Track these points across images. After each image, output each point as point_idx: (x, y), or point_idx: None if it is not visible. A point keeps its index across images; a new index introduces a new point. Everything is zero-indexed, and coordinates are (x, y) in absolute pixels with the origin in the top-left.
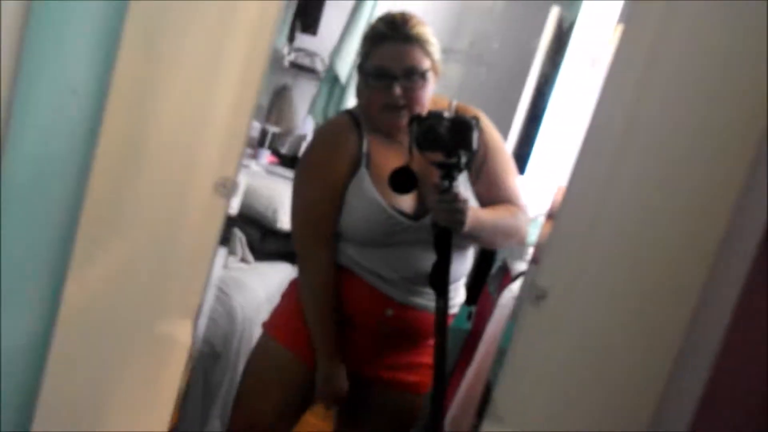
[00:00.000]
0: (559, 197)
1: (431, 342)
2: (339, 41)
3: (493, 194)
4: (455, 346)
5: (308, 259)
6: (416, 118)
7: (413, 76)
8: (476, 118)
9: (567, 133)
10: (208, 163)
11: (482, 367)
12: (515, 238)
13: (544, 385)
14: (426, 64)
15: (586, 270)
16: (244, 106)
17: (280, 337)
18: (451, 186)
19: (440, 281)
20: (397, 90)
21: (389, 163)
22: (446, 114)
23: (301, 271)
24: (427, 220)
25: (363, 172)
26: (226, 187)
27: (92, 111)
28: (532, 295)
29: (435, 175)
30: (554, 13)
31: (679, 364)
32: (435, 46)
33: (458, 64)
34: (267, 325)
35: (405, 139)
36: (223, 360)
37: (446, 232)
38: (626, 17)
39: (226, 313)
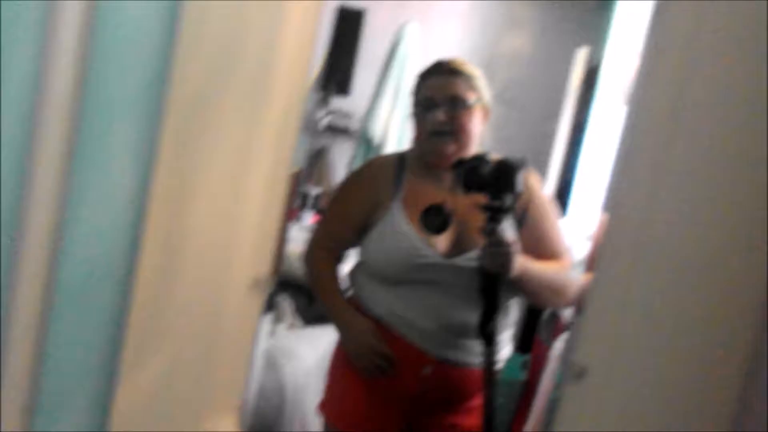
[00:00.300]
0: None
1: (476, 402)
2: (371, 103)
3: (538, 245)
4: (511, 398)
5: (314, 264)
6: (461, 160)
7: (457, 104)
8: (522, 160)
9: (605, 171)
10: (242, 262)
11: (539, 422)
12: (563, 296)
13: None
14: (471, 96)
15: (626, 342)
16: (273, 208)
17: (342, 423)
18: (496, 229)
19: (487, 330)
20: (441, 116)
21: (426, 201)
22: (491, 156)
23: (310, 275)
24: (459, 260)
25: (397, 204)
26: (261, 285)
27: (135, 216)
28: (572, 372)
29: (478, 218)
30: (581, 53)
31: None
32: (481, 80)
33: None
34: (326, 410)
35: (447, 179)
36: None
37: (493, 278)
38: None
39: (276, 386)
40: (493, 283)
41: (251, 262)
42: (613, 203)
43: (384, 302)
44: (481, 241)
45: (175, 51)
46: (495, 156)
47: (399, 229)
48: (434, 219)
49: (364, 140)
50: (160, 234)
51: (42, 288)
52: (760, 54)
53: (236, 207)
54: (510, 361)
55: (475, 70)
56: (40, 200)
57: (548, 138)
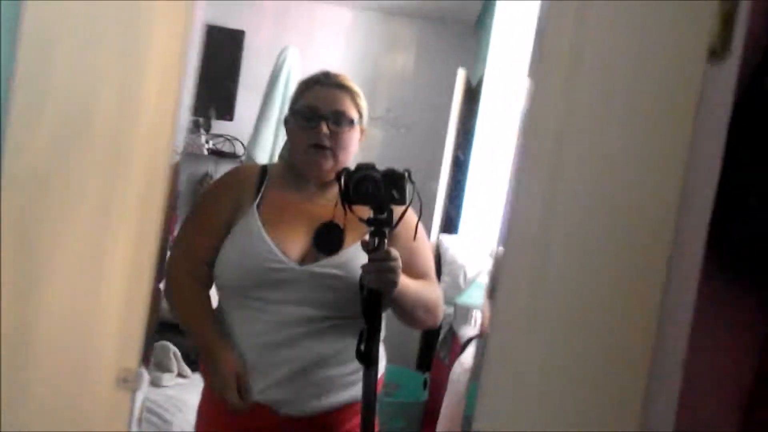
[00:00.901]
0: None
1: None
2: (254, 129)
3: (410, 263)
4: (412, 420)
5: (177, 289)
6: (345, 171)
7: (341, 119)
8: (408, 171)
9: (493, 185)
10: (106, 356)
11: None
12: (434, 314)
13: None
14: (354, 113)
15: (524, 406)
16: (139, 289)
17: None
18: (381, 243)
19: (368, 352)
20: (324, 129)
21: (285, 212)
22: (377, 167)
23: (168, 298)
24: (313, 267)
25: (253, 210)
26: (129, 381)
27: None
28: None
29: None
30: (460, 74)
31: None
32: (364, 102)
33: (378, 130)
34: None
35: (309, 190)
36: None
37: (376, 296)
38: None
39: None
40: (376, 301)
41: (116, 353)
42: (507, 239)
43: (239, 332)
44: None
45: (9, 115)
46: (380, 168)
47: (253, 234)
48: (329, 237)
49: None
50: (6, 325)
51: None
52: (641, 58)
53: (95, 288)
54: (411, 381)
55: (358, 88)
56: None
57: (436, 154)
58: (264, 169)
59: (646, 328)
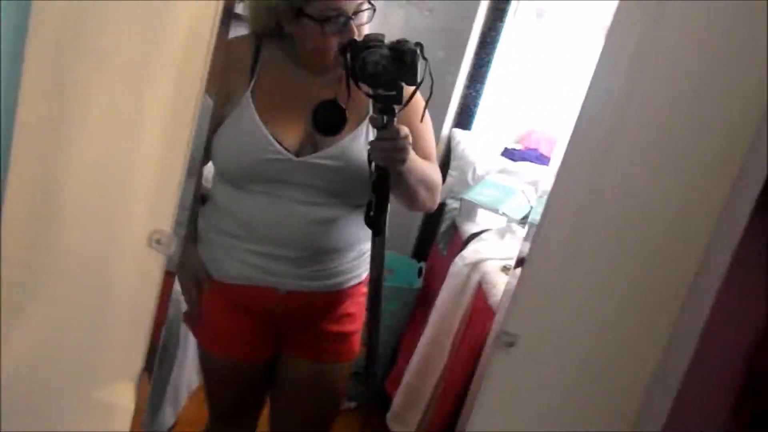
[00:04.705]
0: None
1: (346, 309)
2: None
3: (415, 145)
4: (405, 304)
5: None
6: (352, 45)
7: (361, 14)
8: (420, 45)
9: (514, 86)
10: (138, 215)
11: (437, 337)
12: (433, 195)
13: (516, 424)
14: (366, 5)
15: (557, 315)
16: (175, 152)
17: (206, 341)
18: (390, 121)
19: (376, 219)
20: (354, 29)
21: (281, 97)
22: (386, 41)
23: None
24: (310, 158)
25: (247, 96)
26: (161, 243)
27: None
28: (502, 341)
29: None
30: None
31: (647, 404)
32: None
33: (400, 10)
34: (192, 326)
35: (316, 75)
36: (173, 348)
37: (384, 172)
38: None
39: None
40: (384, 178)
41: (148, 215)
42: (560, 167)
43: (234, 209)
44: (335, 138)
45: None
46: (389, 41)
47: (247, 123)
48: (327, 116)
49: None
50: (28, 178)
51: None
52: (727, 16)
53: (128, 147)
54: (407, 267)
55: None
56: None
57: (460, 43)
58: (257, 47)
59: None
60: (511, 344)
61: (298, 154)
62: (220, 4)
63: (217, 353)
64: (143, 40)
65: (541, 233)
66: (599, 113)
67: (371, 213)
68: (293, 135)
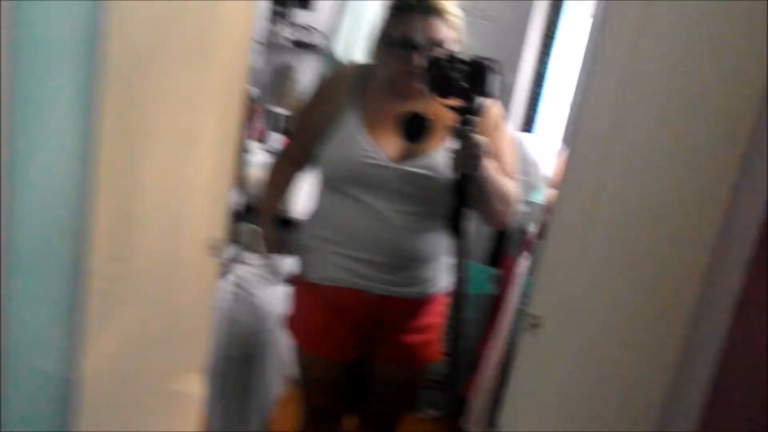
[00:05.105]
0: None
1: (425, 321)
2: (334, 21)
3: (495, 157)
4: (479, 312)
5: (270, 169)
6: (433, 62)
7: (435, 47)
8: (496, 61)
9: (570, 90)
10: (196, 225)
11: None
12: (509, 208)
13: (546, 404)
14: (451, 36)
15: (577, 295)
16: (224, 169)
17: (300, 339)
18: (469, 131)
19: (458, 225)
20: (420, 60)
21: (381, 114)
22: (464, 57)
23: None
24: (405, 165)
25: (353, 113)
26: (217, 248)
27: (88, 185)
28: (528, 323)
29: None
30: None
31: (679, 375)
32: (458, 18)
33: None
34: (290, 325)
35: (408, 95)
36: (257, 357)
37: (463, 177)
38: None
39: (250, 312)
40: (464, 182)
41: (205, 225)
42: (573, 146)
43: (333, 215)
44: (429, 149)
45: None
46: (467, 57)
47: (353, 134)
48: (414, 125)
49: (328, 56)
50: (112, 201)
51: None
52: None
53: (186, 168)
54: (478, 273)
55: (450, 4)
56: None
57: (516, 50)
58: (362, 72)
59: (696, 266)
60: (536, 326)
61: (394, 161)
62: (248, 60)
63: (311, 352)
64: (194, 84)
65: (556, 218)
66: (605, 94)
67: (453, 218)
68: (391, 146)
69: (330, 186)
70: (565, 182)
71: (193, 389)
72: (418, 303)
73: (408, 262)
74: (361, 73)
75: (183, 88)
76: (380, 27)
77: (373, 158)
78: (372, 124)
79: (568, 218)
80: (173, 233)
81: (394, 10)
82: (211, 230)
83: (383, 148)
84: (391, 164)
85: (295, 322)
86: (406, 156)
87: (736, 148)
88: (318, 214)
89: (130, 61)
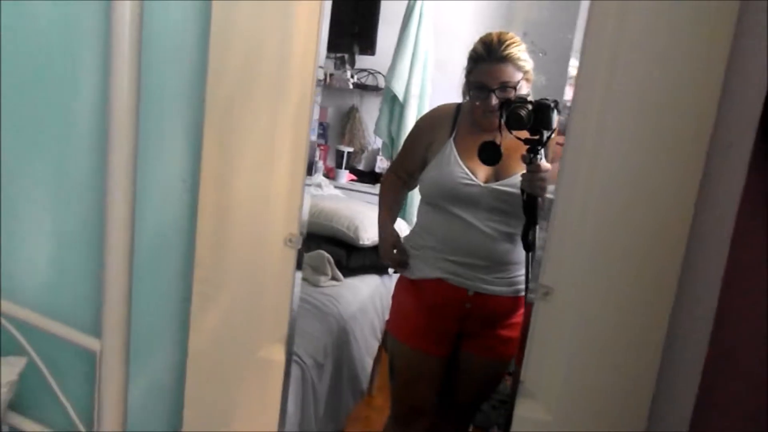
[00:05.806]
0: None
1: (517, 319)
2: (392, 62)
3: None
4: None
5: (383, 182)
6: (506, 103)
7: (507, 88)
8: (556, 101)
9: None
10: (277, 224)
11: None
12: None
13: (561, 364)
14: (518, 77)
15: (585, 264)
16: (297, 181)
17: (402, 336)
18: (534, 158)
19: (527, 236)
20: (494, 101)
21: (474, 142)
22: (530, 98)
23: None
24: (494, 185)
25: (450, 142)
26: (293, 241)
27: (194, 194)
28: (540, 292)
29: (515, 153)
30: None
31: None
32: (526, 62)
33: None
34: (391, 326)
35: (489, 128)
36: (326, 367)
37: (531, 198)
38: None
39: (324, 328)
40: (532, 202)
41: (283, 224)
42: (569, 130)
43: (429, 242)
44: (512, 171)
45: (210, 53)
46: (533, 99)
47: (451, 160)
48: (489, 152)
49: (389, 98)
50: (211, 206)
51: (124, 255)
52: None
53: (268, 180)
54: None
55: (519, 50)
56: (116, 188)
57: (561, 79)
58: (457, 109)
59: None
60: (547, 294)
61: (485, 182)
62: (314, 95)
63: (411, 346)
64: (272, 117)
65: (559, 192)
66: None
67: (524, 233)
68: (482, 170)
69: (431, 204)
70: (563, 159)
71: (277, 356)
72: (508, 301)
73: (499, 264)
74: (456, 109)
75: (264, 121)
76: (464, 74)
77: (469, 180)
78: (464, 152)
79: (565, 207)
80: (259, 230)
81: (472, 60)
82: (288, 228)
83: (476, 171)
84: (483, 184)
85: (398, 321)
86: (494, 178)
87: (701, 144)
88: (421, 227)
89: (225, 100)
